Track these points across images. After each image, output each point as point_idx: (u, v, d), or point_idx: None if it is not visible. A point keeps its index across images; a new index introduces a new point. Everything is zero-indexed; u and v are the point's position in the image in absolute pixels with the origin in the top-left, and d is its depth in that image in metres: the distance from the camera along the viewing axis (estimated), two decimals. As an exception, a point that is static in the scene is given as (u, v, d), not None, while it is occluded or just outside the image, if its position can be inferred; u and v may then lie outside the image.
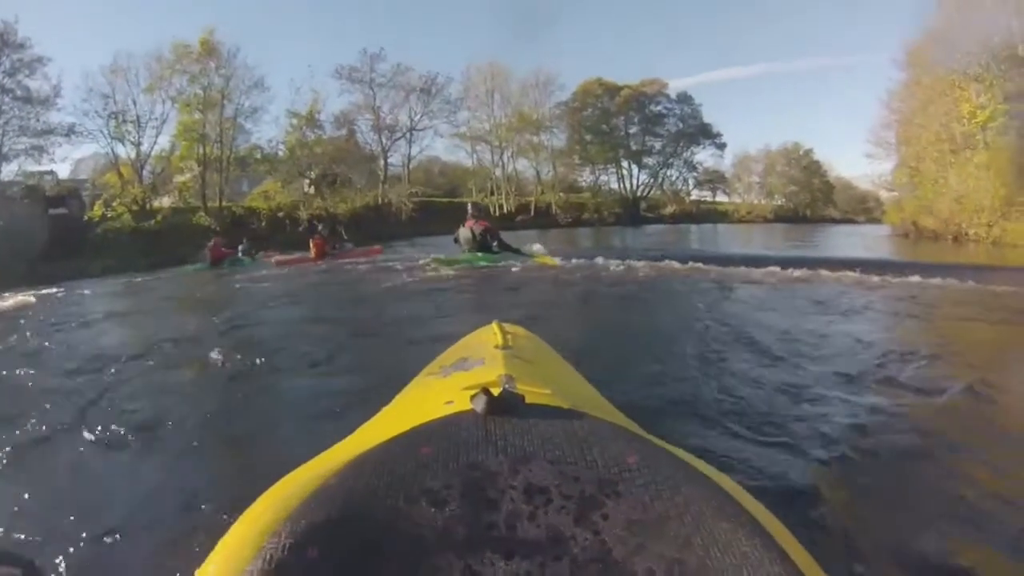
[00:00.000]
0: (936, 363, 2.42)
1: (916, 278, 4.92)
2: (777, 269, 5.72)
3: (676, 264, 6.50)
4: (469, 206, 7.68)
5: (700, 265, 6.39)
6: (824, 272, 5.47)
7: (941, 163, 15.56)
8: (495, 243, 7.06)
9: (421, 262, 7.47)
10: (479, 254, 7.01)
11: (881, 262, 6.81)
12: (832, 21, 72.81)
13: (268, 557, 0.38)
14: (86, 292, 8.68)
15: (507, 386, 0.63)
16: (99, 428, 1.91)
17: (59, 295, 8.32)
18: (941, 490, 1.38)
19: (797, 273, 5.51)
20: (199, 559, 0.44)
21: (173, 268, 12.33)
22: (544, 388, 0.69)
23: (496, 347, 0.93)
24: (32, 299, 7.71)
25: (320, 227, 11.83)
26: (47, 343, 4.00)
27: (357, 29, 62.38)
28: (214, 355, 2.81)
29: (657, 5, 69.40)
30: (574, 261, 7.19)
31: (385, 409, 0.85)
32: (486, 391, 0.53)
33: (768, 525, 0.43)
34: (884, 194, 25.68)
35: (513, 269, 6.52)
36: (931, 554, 1.10)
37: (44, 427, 1.97)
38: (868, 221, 38.72)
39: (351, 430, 0.70)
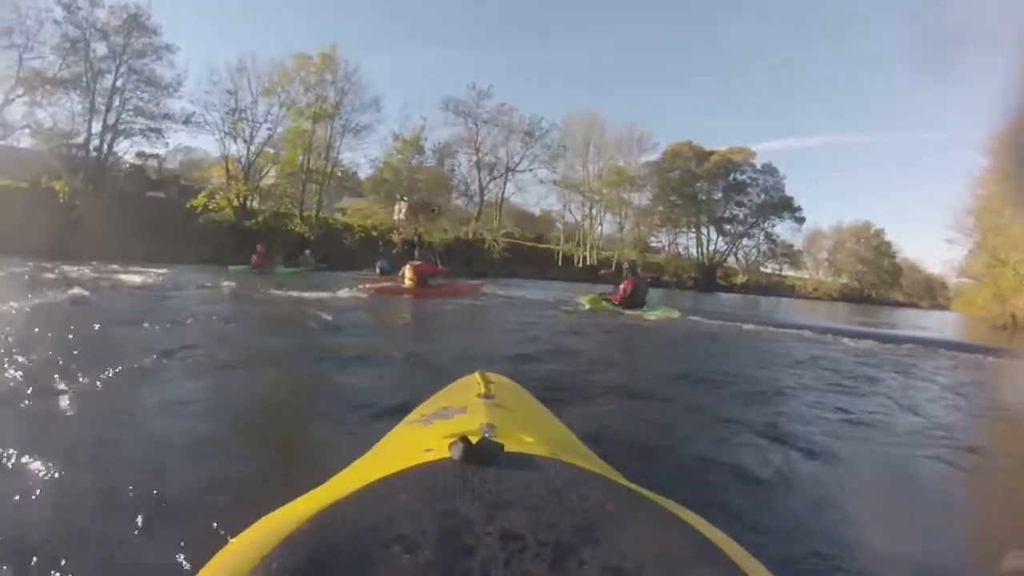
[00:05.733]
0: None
1: None
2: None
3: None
4: (625, 265, 8.40)
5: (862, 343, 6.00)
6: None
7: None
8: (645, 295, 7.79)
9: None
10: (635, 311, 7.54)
11: None
12: (889, 97, 70.02)
13: None
14: (196, 278, 8.66)
15: (487, 434, 0.64)
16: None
17: (166, 275, 8.63)
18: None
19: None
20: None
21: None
22: (524, 436, 0.70)
23: (478, 396, 0.94)
24: (153, 279, 7.90)
25: (417, 251, 10.06)
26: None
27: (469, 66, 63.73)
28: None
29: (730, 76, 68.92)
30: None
31: (364, 456, 0.80)
32: (464, 439, 0.53)
33: (748, 570, 0.43)
34: (954, 280, 23.29)
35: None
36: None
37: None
38: (932, 307, 36.89)
39: (327, 477, 0.65)
